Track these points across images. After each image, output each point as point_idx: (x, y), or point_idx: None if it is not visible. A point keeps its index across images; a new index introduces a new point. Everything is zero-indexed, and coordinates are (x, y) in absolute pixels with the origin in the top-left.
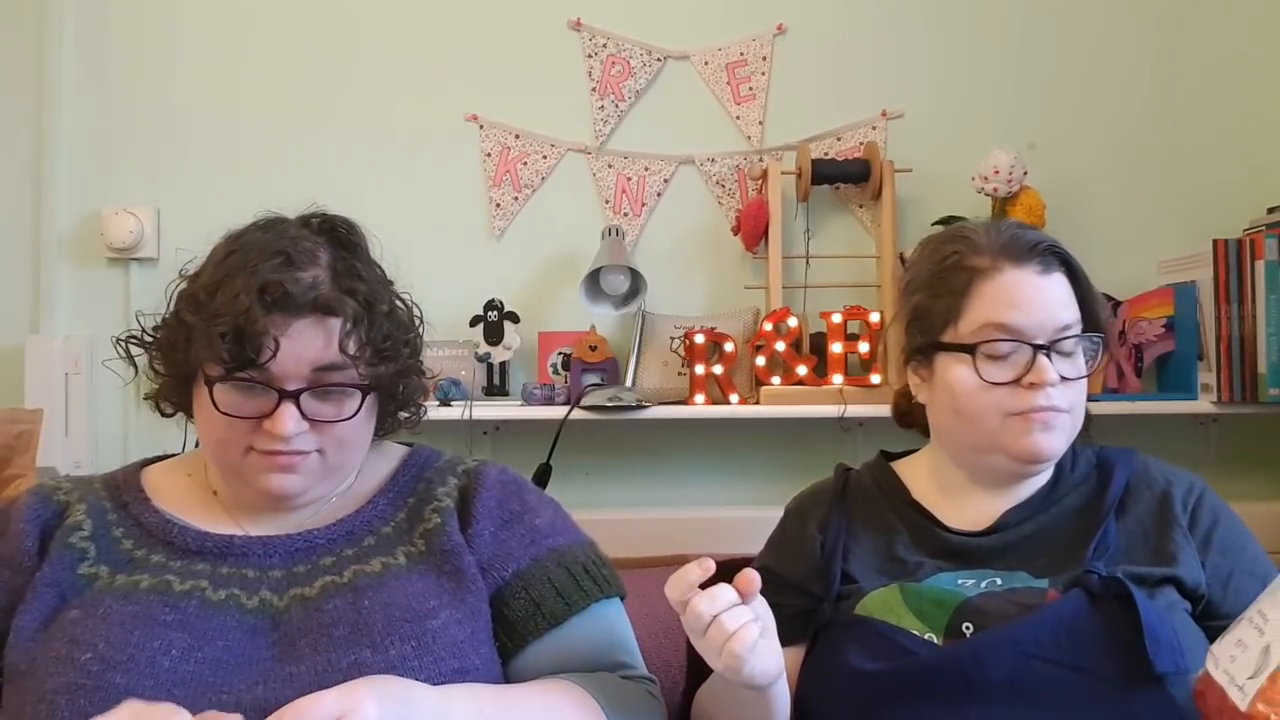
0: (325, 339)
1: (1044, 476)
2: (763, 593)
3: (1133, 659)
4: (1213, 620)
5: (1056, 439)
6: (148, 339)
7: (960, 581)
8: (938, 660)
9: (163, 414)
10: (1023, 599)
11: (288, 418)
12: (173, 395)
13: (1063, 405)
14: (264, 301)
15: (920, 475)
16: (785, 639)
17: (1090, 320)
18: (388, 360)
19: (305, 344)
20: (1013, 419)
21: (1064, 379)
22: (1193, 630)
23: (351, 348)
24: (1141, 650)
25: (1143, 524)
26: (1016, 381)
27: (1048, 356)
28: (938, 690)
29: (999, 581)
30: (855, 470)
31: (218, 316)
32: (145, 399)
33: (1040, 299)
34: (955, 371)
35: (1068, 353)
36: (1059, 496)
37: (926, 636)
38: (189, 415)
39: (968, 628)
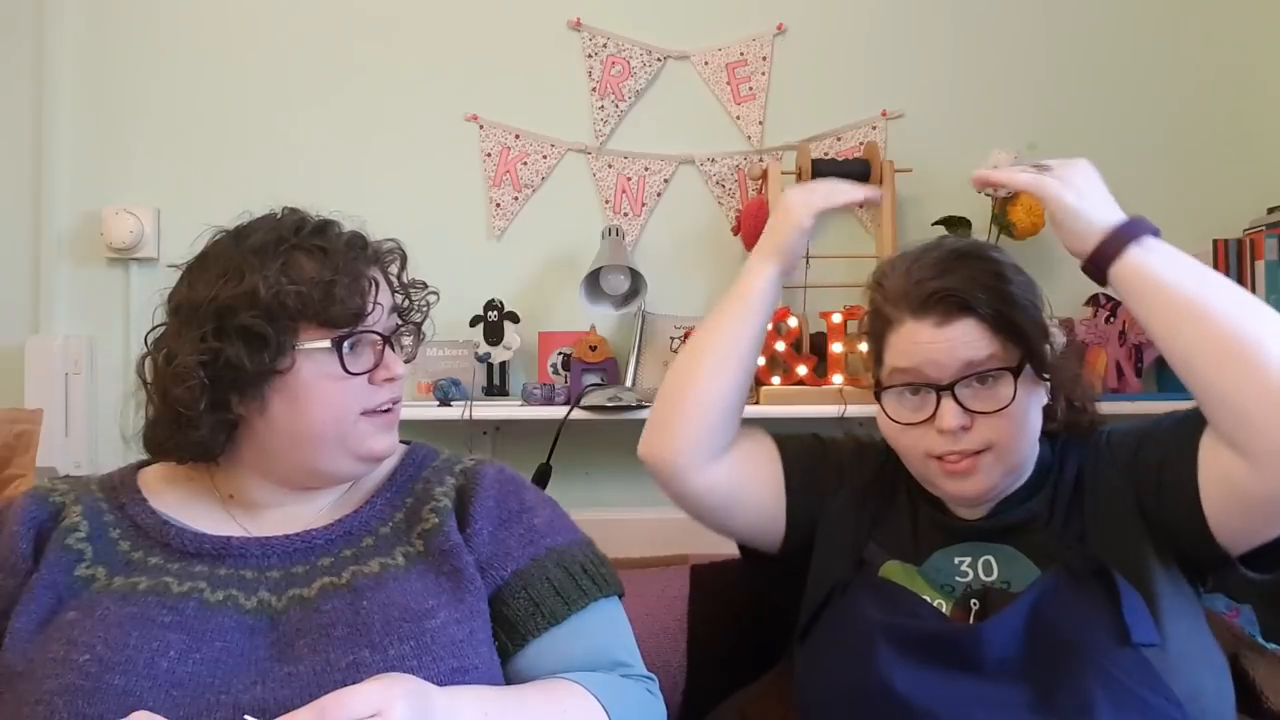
0: (385, 282)
1: (1027, 473)
2: (799, 450)
3: (1114, 629)
4: (1195, 546)
5: (982, 480)
6: (203, 359)
7: (957, 560)
8: (939, 632)
9: (179, 458)
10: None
11: (397, 360)
12: (208, 418)
13: (974, 447)
14: (353, 255)
15: None
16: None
17: (1016, 352)
18: (417, 306)
19: (383, 289)
20: (935, 463)
21: (981, 414)
22: (1184, 595)
23: (400, 289)
24: (1120, 621)
25: (1103, 496)
26: (930, 421)
27: (953, 398)
28: (935, 656)
29: (993, 561)
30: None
31: (325, 282)
32: (151, 451)
33: (936, 348)
34: (880, 413)
35: (983, 386)
36: (1041, 484)
37: (937, 603)
38: (212, 447)
39: (974, 603)
